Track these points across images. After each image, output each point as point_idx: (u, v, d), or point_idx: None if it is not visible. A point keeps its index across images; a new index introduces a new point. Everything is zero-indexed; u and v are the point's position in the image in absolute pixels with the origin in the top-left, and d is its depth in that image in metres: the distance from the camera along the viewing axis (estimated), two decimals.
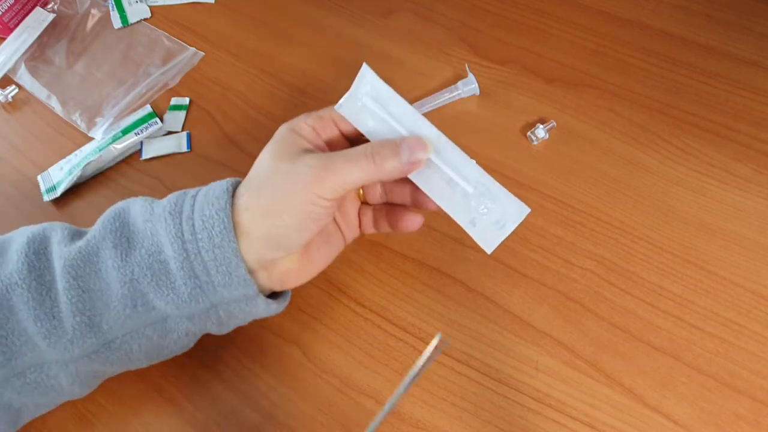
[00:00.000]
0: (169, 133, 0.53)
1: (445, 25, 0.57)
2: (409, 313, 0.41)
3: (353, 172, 0.31)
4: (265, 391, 0.40)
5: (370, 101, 0.34)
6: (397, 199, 0.39)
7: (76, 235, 0.36)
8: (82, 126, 0.54)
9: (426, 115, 0.50)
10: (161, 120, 0.53)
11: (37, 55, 0.60)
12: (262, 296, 0.34)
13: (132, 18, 0.62)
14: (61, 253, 0.34)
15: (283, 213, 0.32)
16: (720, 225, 0.43)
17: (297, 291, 0.43)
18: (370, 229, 0.40)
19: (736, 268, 0.41)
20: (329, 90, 0.54)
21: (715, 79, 0.50)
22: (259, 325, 0.42)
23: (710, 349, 0.39)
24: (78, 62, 0.59)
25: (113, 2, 0.63)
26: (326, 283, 0.43)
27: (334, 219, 0.39)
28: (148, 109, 0.54)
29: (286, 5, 0.61)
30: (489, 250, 0.35)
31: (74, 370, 0.34)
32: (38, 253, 0.34)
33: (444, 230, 0.45)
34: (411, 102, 0.51)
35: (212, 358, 0.41)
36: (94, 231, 0.35)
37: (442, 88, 0.51)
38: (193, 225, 0.32)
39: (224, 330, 0.37)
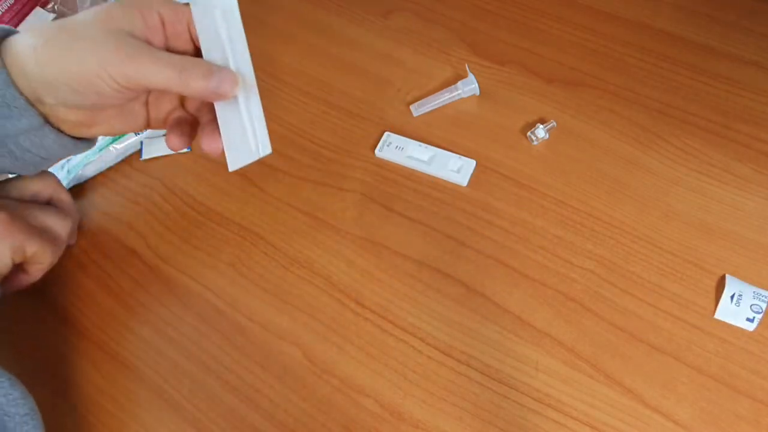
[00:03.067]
0: None
1: (445, 25, 0.57)
2: (409, 313, 0.41)
3: (156, 74, 0.32)
4: (265, 391, 0.40)
5: (219, 14, 0.35)
6: (203, 119, 0.39)
7: None
8: None
9: (426, 115, 0.51)
10: None
11: None
12: (49, 126, 0.34)
13: None
14: None
15: (67, 68, 0.32)
16: (720, 225, 0.43)
17: (296, 291, 0.43)
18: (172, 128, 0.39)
19: (736, 268, 0.41)
20: (329, 90, 0.54)
21: (715, 79, 0.50)
22: (260, 325, 0.42)
23: (710, 349, 0.39)
24: None
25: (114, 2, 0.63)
26: (326, 283, 0.43)
27: (146, 103, 0.38)
28: None
29: (286, 5, 0.61)
30: (230, 168, 0.36)
31: None
32: None
33: (444, 230, 0.45)
34: (411, 102, 0.51)
35: (212, 359, 0.41)
36: None
37: (442, 88, 0.51)
38: None
39: (28, 169, 0.37)
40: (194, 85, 0.32)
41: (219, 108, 0.35)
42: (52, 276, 0.46)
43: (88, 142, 0.39)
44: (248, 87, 0.35)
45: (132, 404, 0.40)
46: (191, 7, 0.34)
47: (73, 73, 0.32)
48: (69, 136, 0.36)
